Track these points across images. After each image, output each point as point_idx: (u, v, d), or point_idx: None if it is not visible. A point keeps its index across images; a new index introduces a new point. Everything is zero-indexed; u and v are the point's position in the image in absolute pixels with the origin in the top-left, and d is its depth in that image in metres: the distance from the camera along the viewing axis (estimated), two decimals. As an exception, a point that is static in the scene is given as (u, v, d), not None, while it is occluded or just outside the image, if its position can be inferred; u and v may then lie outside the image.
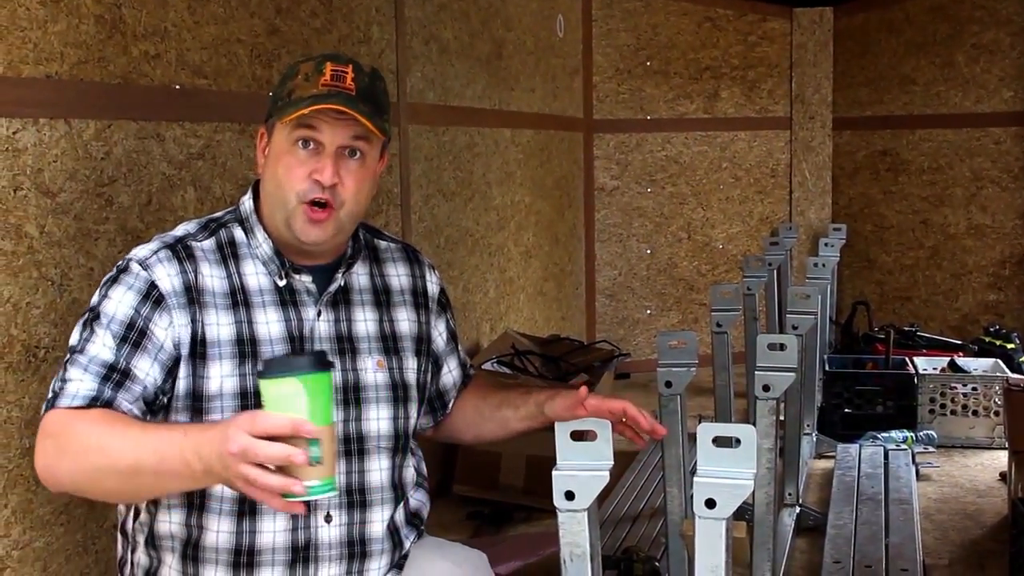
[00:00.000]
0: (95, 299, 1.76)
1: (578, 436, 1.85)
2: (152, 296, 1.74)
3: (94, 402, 1.67)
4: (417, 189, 3.97)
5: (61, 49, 2.17)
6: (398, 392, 1.92)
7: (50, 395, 1.71)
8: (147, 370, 1.72)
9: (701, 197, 6.50)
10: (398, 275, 2.01)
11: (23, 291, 2.08)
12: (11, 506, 2.07)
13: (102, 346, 1.71)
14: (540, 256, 5.53)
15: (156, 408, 1.75)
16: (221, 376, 1.76)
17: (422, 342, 2.00)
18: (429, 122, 4.09)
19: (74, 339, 1.74)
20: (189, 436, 1.53)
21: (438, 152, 4.18)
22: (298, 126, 1.78)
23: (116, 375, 1.70)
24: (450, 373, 2.11)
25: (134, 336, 1.72)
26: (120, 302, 1.73)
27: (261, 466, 1.44)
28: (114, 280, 1.76)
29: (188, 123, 2.60)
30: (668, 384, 2.75)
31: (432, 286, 2.06)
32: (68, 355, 1.73)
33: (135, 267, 1.76)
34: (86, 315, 1.76)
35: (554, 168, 5.72)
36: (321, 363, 1.49)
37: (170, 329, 1.74)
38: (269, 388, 1.47)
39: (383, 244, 2.03)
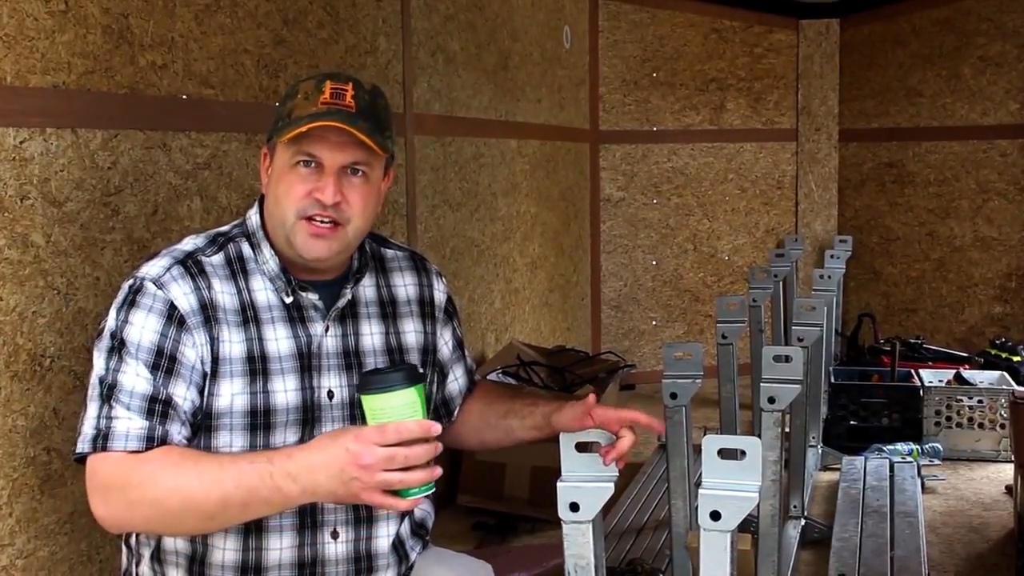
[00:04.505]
0: (112, 323, 1.73)
1: (583, 448, 1.85)
2: (175, 317, 1.72)
3: (150, 442, 1.67)
4: (423, 200, 3.98)
5: (68, 59, 2.17)
6: None
7: (92, 432, 1.68)
8: (184, 394, 1.72)
9: (707, 208, 6.50)
10: (405, 285, 2.00)
11: (29, 300, 2.08)
12: (15, 515, 2.07)
13: (135, 376, 1.69)
14: (546, 267, 5.53)
15: (196, 429, 1.74)
16: (232, 394, 1.75)
17: (428, 353, 2.00)
18: (435, 133, 4.10)
19: (100, 369, 1.71)
20: (276, 463, 1.61)
21: (444, 163, 4.19)
22: (298, 147, 1.76)
23: (159, 406, 1.69)
24: (456, 381, 2.10)
25: (165, 363, 1.71)
26: (144, 328, 1.71)
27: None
28: (131, 303, 1.73)
29: (195, 133, 2.60)
30: (673, 395, 2.75)
31: (439, 294, 2.05)
32: (99, 387, 1.70)
33: (150, 287, 1.73)
34: (107, 342, 1.72)
35: (560, 179, 5.73)
36: (420, 372, 1.64)
37: (195, 349, 1.73)
38: (389, 399, 1.58)
39: (390, 253, 2.02)
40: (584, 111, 6.15)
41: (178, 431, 1.71)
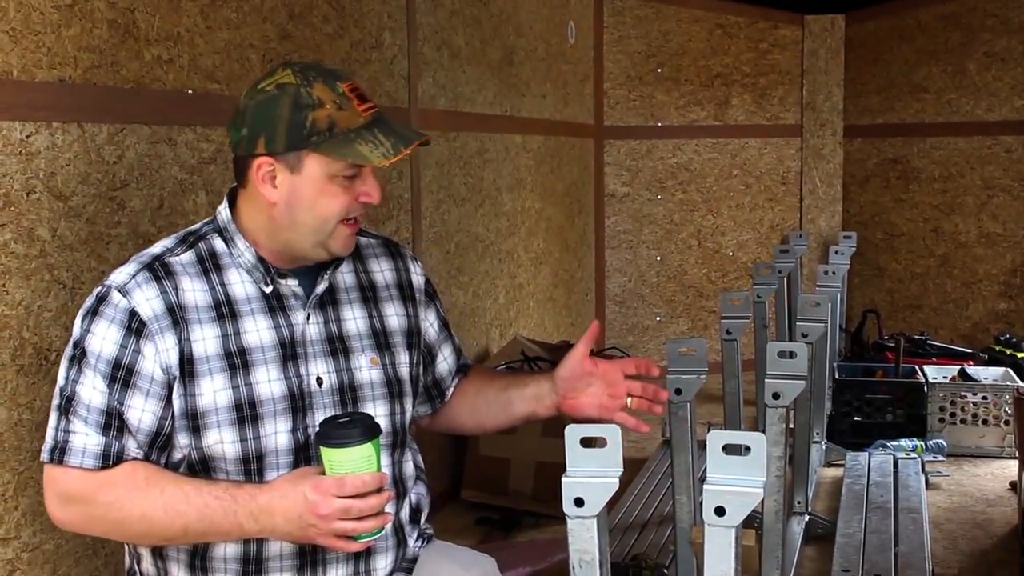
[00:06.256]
0: (77, 331, 1.75)
1: (588, 443, 1.85)
2: (134, 327, 1.72)
3: (106, 459, 1.71)
4: (428, 195, 3.98)
5: (75, 53, 2.18)
6: (393, 388, 1.92)
7: (51, 442, 1.72)
8: (142, 407, 1.72)
9: (711, 204, 6.50)
10: (382, 270, 2.00)
11: (35, 294, 2.09)
12: (21, 508, 2.08)
13: (92, 389, 1.71)
14: (550, 262, 5.53)
15: (161, 436, 1.75)
16: (213, 391, 1.75)
17: (413, 335, 2.00)
18: (440, 128, 4.10)
19: (61, 379, 1.74)
20: (240, 502, 1.69)
21: (449, 158, 4.19)
22: (348, 160, 1.75)
23: (115, 420, 1.71)
24: (445, 361, 2.11)
25: (122, 375, 1.71)
26: (104, 338, 1.72)
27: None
28: (94, 312, 1.74)
29: (200, 127, 2.60)
30: (678, 391, 2.75)
31: (417, 277, 2.05)
32: (59, 397, 1.73)
33: (115, 296, 1.74)
34: (71, 350, 1.74)
35: (564, 174, 5.73)
36: (377, 425, 1.72)
37: (157, 357, 1.72)
38: (349, 453, 1.67)
39: (363, 240, 2.02)
40: (589, 106, 6.15)
41: (135, 445, 1.73)
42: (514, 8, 4.88)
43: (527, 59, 5.07)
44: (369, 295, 1.96)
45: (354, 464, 1.66)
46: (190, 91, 2.56)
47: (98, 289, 1.77)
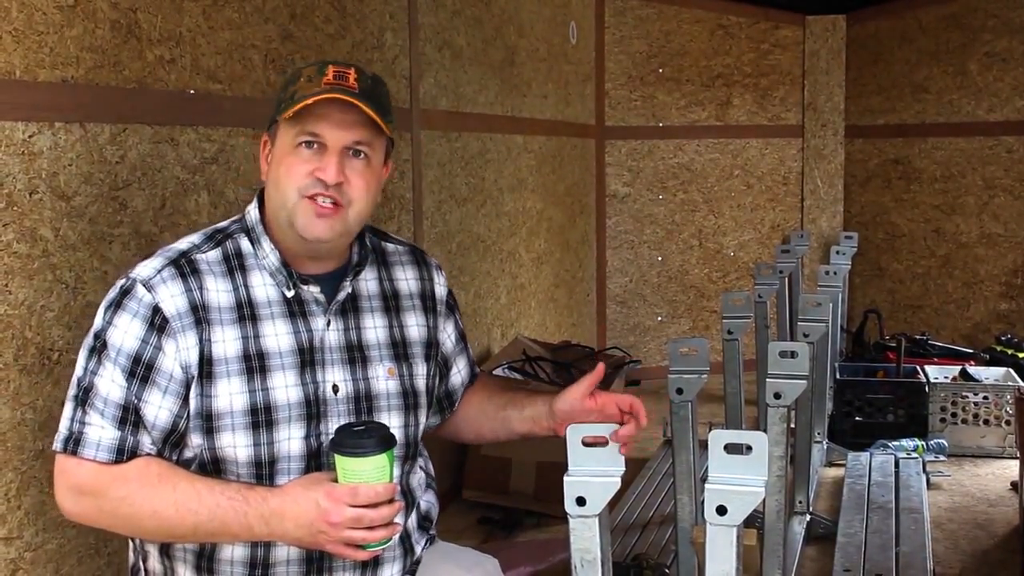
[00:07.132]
0: (99, 323, 1.74)
1: (589, 442, 1.85)
2: (156, 323, 1.72)
3: (120, 454, 1.70)
4: (429, 195, 3.98)
5: (77, 53, 2.18)
6: (408, 400, 1.92)
7: (66, 432, 1.71)
8: (159, 403, 1.72)
9: (713, 204, 6.50)
10: (407, 279, 2.00)
11: (38, 294, 2.09)
12: (24, 507, 2.08)
13: (111, 382, 1.70)
14: (551, 262, 5.53)
15: (176, 434, 1.75)
16: (230, 394, 1.75)
17: (431, 347, 1.99)
18: (442, 128, 4.10)
19: (80, 369, 1.73)
20: (252, 504, 1.68)
21: (450, 158, 4.19)
22: (301, 127, 1.76)
23: (131, 415, 1.71)
24: (459, 373, 2.11)
25: (142, 371, 1.71)
26: (126, 332, 1.71)
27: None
28: (117, 305, 1.73)
29: (202, 128, 2.61)
30: (679, 391, 2.76)
31: (440, 288, 2.05)
32: (77, 388, 1.72)
33: (139, 290, 1.73)
34: (91, 341, 1.74)
35: (566, 174, 5.73)
36: (392, 435, 1.72)
37: (177, 355, 1.72)
38: (363, 463, 1.66)
39: (391, 247, 2.02)
40: (590, 107, 6.15)
41: (150, 441, 1.73)
42: (515, 8, 4.89)
43: (528, 59, 5.07)
44: (391, 304, 1.95)
45: (368, 474, 1.66)
46: (192, 91, 2.56)
47: (122, 281, 1.76)
